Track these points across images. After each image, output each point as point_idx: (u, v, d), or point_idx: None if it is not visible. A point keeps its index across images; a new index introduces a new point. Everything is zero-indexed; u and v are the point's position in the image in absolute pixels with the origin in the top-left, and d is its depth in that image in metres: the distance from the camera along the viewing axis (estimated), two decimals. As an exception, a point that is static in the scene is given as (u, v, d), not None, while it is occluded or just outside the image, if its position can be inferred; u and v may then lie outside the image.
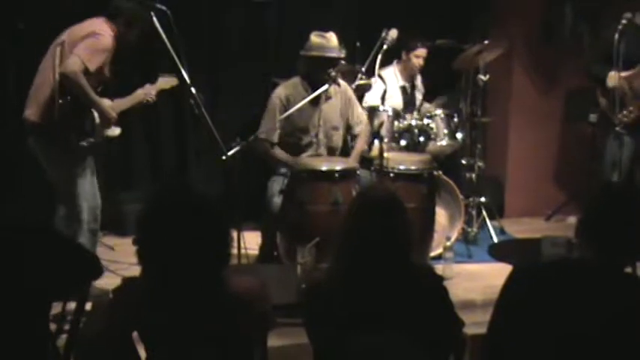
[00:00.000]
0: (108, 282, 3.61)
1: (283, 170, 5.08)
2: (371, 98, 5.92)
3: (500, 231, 6.24)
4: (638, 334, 2.36)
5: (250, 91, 6.11)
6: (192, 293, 2.43)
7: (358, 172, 4.97)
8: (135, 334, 2.52)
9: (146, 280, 2.47)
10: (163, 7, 4.52)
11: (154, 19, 4.50)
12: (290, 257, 4.65)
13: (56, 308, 3.20)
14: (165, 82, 4.93)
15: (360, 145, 5.37)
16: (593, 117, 6.03)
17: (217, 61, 6.36)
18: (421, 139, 5.64)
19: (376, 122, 5.42)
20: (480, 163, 6.14)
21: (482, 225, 6.07)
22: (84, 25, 4.52)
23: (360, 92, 5.80)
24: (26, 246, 2.72)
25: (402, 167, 5.14)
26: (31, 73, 4.59)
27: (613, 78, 5.30)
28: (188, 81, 4.56)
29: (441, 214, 5.52)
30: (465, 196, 5.87)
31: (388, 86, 5.98)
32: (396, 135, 5.60)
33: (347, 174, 4.82)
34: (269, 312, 2.62)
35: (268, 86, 5.58)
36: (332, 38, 5.12)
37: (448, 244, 5.32)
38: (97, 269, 2.97)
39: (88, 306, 3.05)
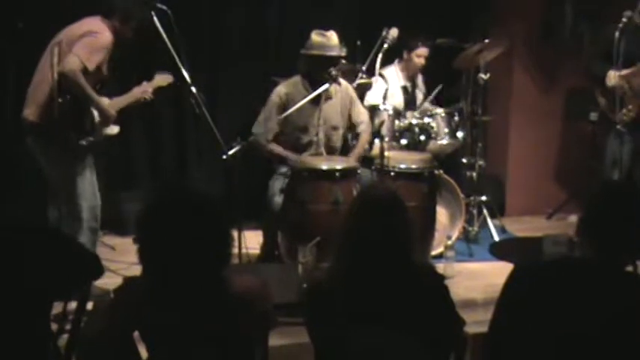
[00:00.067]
0: (109, 281, 3.62)
1: (284, 169, 5.07)
2: (372, 97, 5.91)
3: (501, 230, 6.24)
4: (638, 332, 2.36)
5: (251, 90, 6.10)
6: (193, 293, 2.43)
7: (359, 171, 4.97)
8: (136, 333, 2.52)
9: (147, 280, 2.47)
10: (164, 7, 4.52)
11: (155, 18, 4.51)
12: (291, 256, 4.65)
13: (57, 308, 3.20)
14: (162, 79, 4.93)
15: (361, 144, 5.37)
16: (593, 115, 6.03)
17: (218, 61, 6.36)
18: (422, 137, 5.64)
19: (377, 121, 5.42)
20: (481, 162, 6.13)
21: (483, 224, 6.07)
22: (80, 25, 4.52)
23: (361, 91, 5.79)
24: (27, 246, 2.72)
25: (402, 166, 5.14)
26: (30, 72, 4.59)
27: (612, 77, 5.30)
28: (189, 80, 4.56)
29: (441, 213, 5.53)
30: (465, 195, 5.87)
31: (389, 85, 5.98)
32: (397, 134, 5.61)
33: (348, 173, 4.82)
34: (270, 311, 2.62)
35: (269, 85, 5.57)
36: (332, 37, 5.11)
37: (449, 242, 5.32)
38: (98, 269, 2.96)
39: (89, 306, 3.05)
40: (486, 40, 5.92)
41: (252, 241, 4.91)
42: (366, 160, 5.34)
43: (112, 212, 5.61)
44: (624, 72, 5.29)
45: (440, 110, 5.77)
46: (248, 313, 2.50)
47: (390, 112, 5.58)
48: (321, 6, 6.31)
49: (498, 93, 6.85)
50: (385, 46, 5.85)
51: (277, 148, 5.18)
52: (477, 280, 5.15)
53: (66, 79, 4.35)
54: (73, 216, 4.60)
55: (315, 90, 5.02)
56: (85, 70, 4.37)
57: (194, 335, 2.43)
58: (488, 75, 6.03)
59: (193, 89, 4.58)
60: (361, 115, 5.42)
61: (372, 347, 2.32)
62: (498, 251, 4.42)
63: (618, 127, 5.38)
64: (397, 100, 6.07)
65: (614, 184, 3.80)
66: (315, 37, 5.11)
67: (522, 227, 6.47)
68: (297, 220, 4.76)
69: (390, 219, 2.70)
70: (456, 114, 5.78)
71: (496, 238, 5.91)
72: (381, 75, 5.99)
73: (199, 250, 2.40)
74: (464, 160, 6.17)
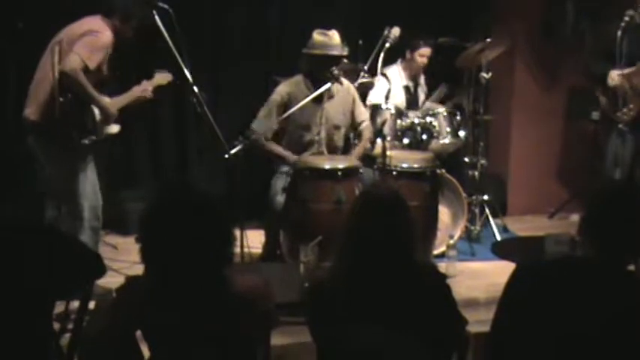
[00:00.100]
0: (111, 281, 3.62)
1: (285, 168, 5.07)
2: (374, 96, 5.91)
3: (503, 229, 6.24)
4: (639, 331, 2.36)
5: (252, 89, 6.10)
6: (195, 292, 2.43)
7: (361, 170, 4.97)
8: (138, 332, 2.52)
9: (149, 279, 2.47)
10: (165, 6, 4.52)
11: (156, 17, 4.51)
12: (293, 256, 4.65)
13: (59, 307, 3.21)
14: (162, 77, 4.93)
15: (363, 143, 5.37)
16: (595, 114, 6.03)
17: (219, 60, 6.36)
18: (424, 137, 5.65)
19: (379, 120, 5.41)
20: (483, 161, 6.13)
21: (485, 223, 6.07)
22: (81, 24, 4.53)
23: (362, 90, 5.79)
24: (28, 245, 2.72)
25: (404, 165, 5.14)
26: (30, 72, 4.59)
27: (614, 77, 5.29)
28: (190, 79, 4.56)
29: (443, 212, 5.52)
30: (467, 194, 5.87)
31: (392, 85, 5.98)
32: (399, 133, 5.61)
33: (350, 172, 4.82)
34: (272, 310, 2.62)
35: (270, 85, 5.57)
36: (334, 36, 5.11)
37: (451, 242, 5.32)
38: (100, 268, 2.97)
39: (91, 305, 3.05)
40: (488, 39, 5.91)
41: (254, 240, 4.90)
42: (368, 160, 5.34)
43: (113, 211, 5.61)
44: (625, 71, 5.28)
45: (442, 109, 5.77)
46: (250, 312, 2.50)
47: (392, 111, 5.58)
48: (322, 5, 6.30)
49: (500, 92, 6.85)
50: (387, 45, 5.85)
51: (275, 147, 5.17)
52: (479, 279, 5.15)
53: (67, 78, 4.35)
54: (75, 215, 4.60)
55: (317, 89, 5.02)
56: (85, 69, 4.37)
57: (196, 335, 2.43)
58: (489, 74, 6.03)
59: (195, 88, 4.58)
60: (362, 114, 5.43)
61: (374, 346, 2.32)
62: (500, 250, 4.43)
63: (620, 126, 5.37)
64: (399, 99, 6.06)
65: (615, 183, 3.81)
66: (317, 36, 5.10)
67: (524, 226, 6.47)
68: (299, 220, 4.76)
69: (392, 218, 2.70)
70: (458, 113, 5.78)
71: (498, 237, 5.90)
72: (383, 74, 5.99)
73: (201, 249, 2.41)
74: (466, 160, 6.17)
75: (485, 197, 6.12)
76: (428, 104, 6.24)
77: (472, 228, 5.95)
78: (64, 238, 2.99)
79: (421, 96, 6.35)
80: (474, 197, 6.02)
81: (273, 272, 4.50)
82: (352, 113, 5.38)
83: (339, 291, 2.66)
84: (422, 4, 6.63)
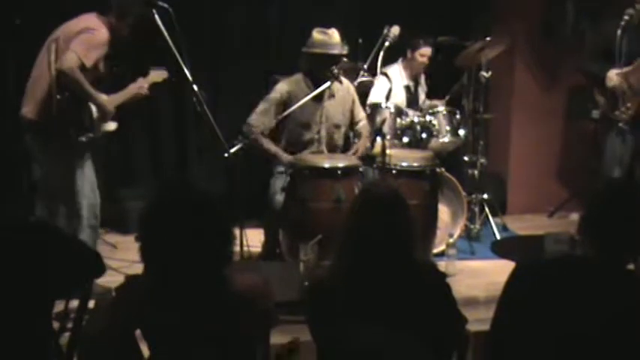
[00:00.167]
0: (110, 280, 3.62)
1: (282, 169, 5.07)
2: (375, 95, 5.91)
3: (503, 228, 6.25)
4: (639, 331, 2.36)
5: (252, 88, 6.09)
6: (195, 291, 2.43)
7: (361, 169, 4.97)
8: (138, 332, 2.52)
9: (149, 278, 2.47)
10: (165, 5, 4.52)
11: (156, 16, 4.51)
12: (292, 255, 4.65)
13: (59, 306, 3.20)
14: (157, 75, 4.95)
15: (362, 142, 5.37)
16: (595, 113, 6.01)
17: (219, 59, 6.36)
18: (423, 135, 5.65)
19: (378, 119, 5.41)
20: (483, 160, 6.13)
21: (485, 222, 6.08)
22: (77, 21, 4.54)
23: (362, 89, 5.79)
24: (28, 244, 2.72)
25: (404, 164, 5.14)
26: (28, 69, 4.59)
27: (613, 77, 5.29)
28: (190, 78, 4.56)
29: (443, 211, 5.52)
30: (467, 193, 5.87)
31: (393, 85, 5.97)
32: (399, 132, 5.61)
33: (349, 171, 4.82)
34: (271, 309, 2.62)
35: (270, 84, 5.57)
36: (334, 35, 5.10)
37: (451, 241, 5.32)
38: (99, 267, 2.97)
39: (91, 304, 3.05)
40: (488, 38, 5.91)
41: (253, 239, 4.91)
42: (367, 158, 5.34)
43: (113, 210, 5.62)
44: (622, 70, 5.27)
45: (441, 108, 5.77)
46: (249, 311, 2.50)
47: (392, 110, 5.58)
48: (322, 4, 6.30)
49: (500, 91, 6.85)
50: (387, 44, 5.85)
51: (270, 145, 5.16)
52: (478, 278, 5.15)
53: (64, 76, 4.36)
54: (73, 214, 4.61)
55: (317, 88, 5.02)
56: (82, 67, 4.38)
57: (195, 334, 2.43)
58: (489, 73, 6.03)
59: (195, 87, 4.58)
60: (360, 113, 5.44)
61: (374, 345, 2.31)
62: (500, 249, 4.42)
63: (620, 125, 5.36)
64: (400, 99, 6.06)
65: (615, 182, 3.79)
66: (317, 35, 5.10)
67: (524, 225, 6.47)
68: (298, 218, 4.76)
69: (392, 217, 2.70)
70: (458, 112, 5.78)
71: (498, 236, 5.91)
72: (385, 74, 5.99)
73: (201, 248, 2.40)
74: (465, 158, 6.17)
75: (485, 196, 6.12)
76: (427, 103, 6.23)
77: (472, 227, 5.95)
78: (63, 237, 2.99)
79: (421, 95, 6.35)
80: (473, 196, 6.03)
81: (272, 271, 4.50)
82: (351, 112, 5.38)
83: (338, 290, 2.66)
84: (422, 3, 6.63)
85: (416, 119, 5.64)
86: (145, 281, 2.48)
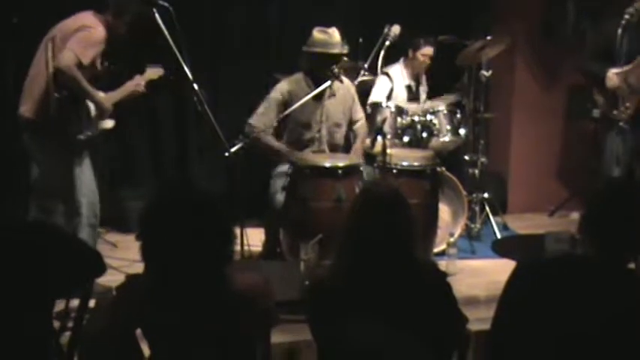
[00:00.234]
0: (111, 279, 3.62)
1: (280, 170, 5.06)
2: (376, 95, 5.91)
3: (504, 227, 6.24)
4: (639, 330, 2.36)
5: (252, 88, 6.08)
6: (195, 290, 2.43)
7: (361, 168, 4.97)
8: (138, 331, 2.52)
9: (149, 278, 2.47)
10: (165, 4, 4.53)
11: (156, 15, 4.51)
12: (293, 254, 4.65)
13: (59, 305, 3.20)
14: (153, 72, 4.96)
15: (359, 143, 5.37)
16: (596, 112, 6.01)
17: (219, 58, 6.36)
18: (424, 135, 5.64)
19: (379, 118, 5.40)
20: (483, 159, 6.13)
21: (486, 221, 6.07)
22: (74, 20, 4.55)
23: (362, 88, 5.79)
24: (29, 244, 2.72)
25: (405, 163, 5.13)
26: (27, 68, 4.59)
27: (612, 78, 5.28)
28: (190, 77, 4.56)
29: (444, 211, 5.52)
30: (467, 192, 5.87)
31: (394, 85, 5.97)
32: (399, 131, 5.60)
33: (350, 170, 4.82)
34: (272, 309, 2.62)
35: (270, 83, 5.57)
36: (334, 34, 5.10)
37: (451, 240, 5.32)
38: (100, 266, 2.97)
39: (92, 303, 3.05)
40: (488, 37, 5.91)
41: (254, 238, 4.91)
42: (368, 158, 5.34)
43: (113, 209, 5.61)
44: (621, 70, 5.26)
45: (442, 107, 5.76)
46: (250, 310, 2.50)
47: (393, 109, 5.58)
48: (322, 4, 6.30)
49: (500, 90, 6.85)
50: (387, 43, 5.85)
51: (272, 141, 5.16)
52: (479, 277, 5.15)
53: (62, 74, 4.36)
54: (72, 213, 4.61)
55: (317, 87, 5.01)
56: (79, 65, 4.39)
57: (196, 333, 2.43)
58: (490, 72, 6.02)
59: (195, 86, 4.58)
60: (359, 112, 5.44)
61: (374, 345, 2.32)
62: (500, 248, 4.41)
63: (621, 124, 5.36)
64: (401, 98, 6.05)
65: (615, 181, 3.79)
66: (317, 34, 5.10)
67: (524, 224, 6.47)
68: (299, 218, 4.75)
69: (392, 216, 2.70)
70: (458, 111, 5.78)
71: (498, 235, 5.90)
72: (386, 74, 5.98)
73: (201, 247, 2.41)
74: (466, 158, 6.17)
75: (486, 195, 6.12)
76: (429, 103, 6.22)
77: (472, 226, 5.95)
78: (63, 237, 2.99)
79: (422, 95, 6.34)
80: (474, 195, 6.02)
81: (273, 270, 4.50)
82: (352, 112, 5.38)
83: (339, 289, 2.66)
84: (422, 2, 6.63)
85: (416, 118, 5.63)
86: (146, 280, 2.48)
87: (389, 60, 6.06)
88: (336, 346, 2.54)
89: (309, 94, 4.98)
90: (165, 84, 5.06)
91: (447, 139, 5.70)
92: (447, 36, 6.15)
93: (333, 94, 5.21)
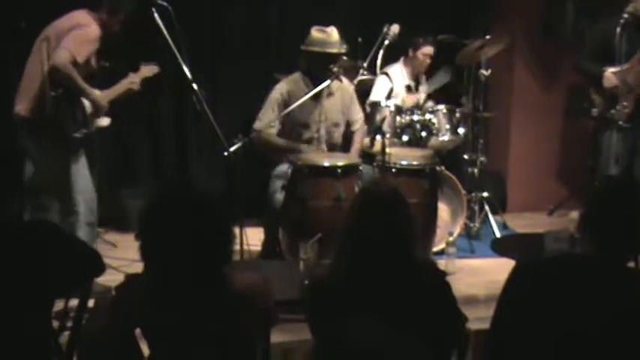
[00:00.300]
0: (110, 279, 3.62)
1: (279, 171, 5.06)
2: (376, 94, 5.91)
3: (503, 226, 6.24)
4: (639, 329, 2.36)
5: (252, 88, 6.09)
6: (195, 290, 2.43)
7: (360, 167, 4.97)
8: (138, 330, 2.52)
9: (149, 277, 2.47)
10: (165, 3, 4.53)
11: (156, 14, 4.51)
12: (292, 253, 4.64)
13: (59, 305, 3.20)
14: (148, 70, 4.98)
15: (357, 142, 5.37)
16: (595, 111, 6.02)
17: (219, 58, 6.36)
18: (423, 134, 5.64)
19: (378, 117, 5.41)
20: (482, 158, 6.13)
21: (485, 220, 6.07)
22: (68, 18, 4.57)
23: (361, 88, 5.79)
24: (28, 243, 2.72)
25: (404, 163, 5.13)
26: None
27: (609, 78, 5.28)
28: (190, 77, 4.56)
29: (443, 210, 5.52)
30: (467, 191, 5.87)
31: (394, 84, 5.97)
32: (399, 130, 5.61)
33: (349, 170, 4.82)
34: (271, 308, 2.62)
35: (270, 83, 5.57)
36: (333, 33, 5.09)
37: (451, 239, 5.32)
38: (99, 266, 2.97)
39: (91, 303, 3.05)
40: (488, 37, 5.91)
41: (253, 237, 4.90)
42: (367, 157, 5.34)
43: (113, 209, 5.61)
44: (618, 69, 5.26)
45: (441, 107, 5.77)
46: (249, 310, 2.50)
47: (392, 108, 5.58)
48: (322, 4, 6.29)
49: (499, 89, 6.85)
50: (386, 42, 5.85)
51: (282, 140, 5.17)
52: (478, 276, 5.15)
53: (57, 72, 4.38)
54: (70, 211, 4.62)
55: (316, 86, 5.01)
56: (74, 63, 4.40)
57: (195, 333, 2.43)
58: (489, 71, 6.02)
59: (194, 86, 4.58)
60: (357, 112, 5.44)
61: (374, 344, 2.31)
62: (500, 247, 4.42)
63: (620, 123, 5.36)
64: (401, 98, 6.06)
65: (615, 180, 3.79)
66: (316, 33, 5.09)
67: (524, 223, 6.47)
68: (298, 217, 4.76)
69: (392, 216, 2.70)
70: (457, 110, 5.78)
71: (497, 234, 5.91)
72: (386, 74, 5.98)
73: (201, 247, 2.40)
74: (465, 157, 6.17)
75: (485, 194, 6.12)
76: (429, 103, 6.23)
77: (471, 225, 5.95)
78: (63, 236, 2.99)
79: (422, 95, 6.34)
80: (473, 194, 6.03)
81: (272, 270, 4.49)
82: (350, 112, 5.38)
83: (338, 288, 2.66)
84: (422, 1, 6.62)
85: (416, 117, 5.63)
86: (145, 280, 2.48)
87: (388, 60, 6.06)
88: (335, 346, 2.54)
89: (307, 93, 4.98)
90: (163, 83, 5.07)
91: (446, 138, 5.70)
92: (446, 35, 6.15)
93: (330, 94, 5.21)
